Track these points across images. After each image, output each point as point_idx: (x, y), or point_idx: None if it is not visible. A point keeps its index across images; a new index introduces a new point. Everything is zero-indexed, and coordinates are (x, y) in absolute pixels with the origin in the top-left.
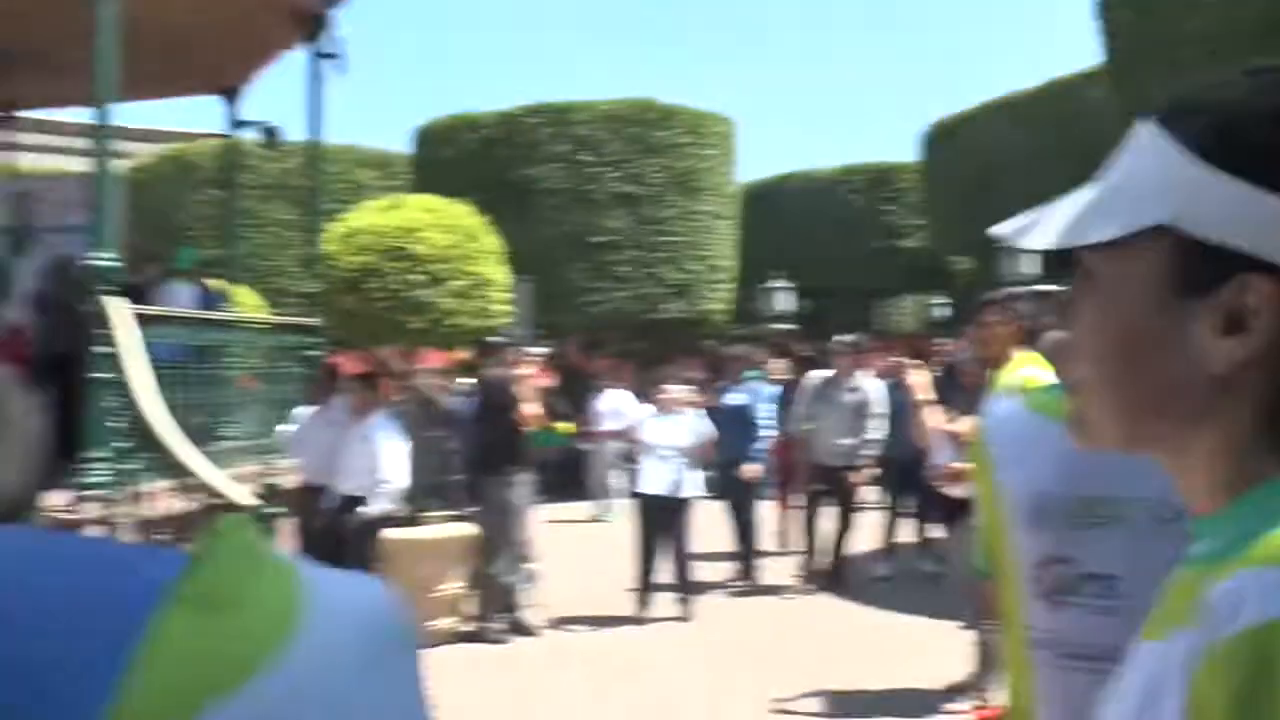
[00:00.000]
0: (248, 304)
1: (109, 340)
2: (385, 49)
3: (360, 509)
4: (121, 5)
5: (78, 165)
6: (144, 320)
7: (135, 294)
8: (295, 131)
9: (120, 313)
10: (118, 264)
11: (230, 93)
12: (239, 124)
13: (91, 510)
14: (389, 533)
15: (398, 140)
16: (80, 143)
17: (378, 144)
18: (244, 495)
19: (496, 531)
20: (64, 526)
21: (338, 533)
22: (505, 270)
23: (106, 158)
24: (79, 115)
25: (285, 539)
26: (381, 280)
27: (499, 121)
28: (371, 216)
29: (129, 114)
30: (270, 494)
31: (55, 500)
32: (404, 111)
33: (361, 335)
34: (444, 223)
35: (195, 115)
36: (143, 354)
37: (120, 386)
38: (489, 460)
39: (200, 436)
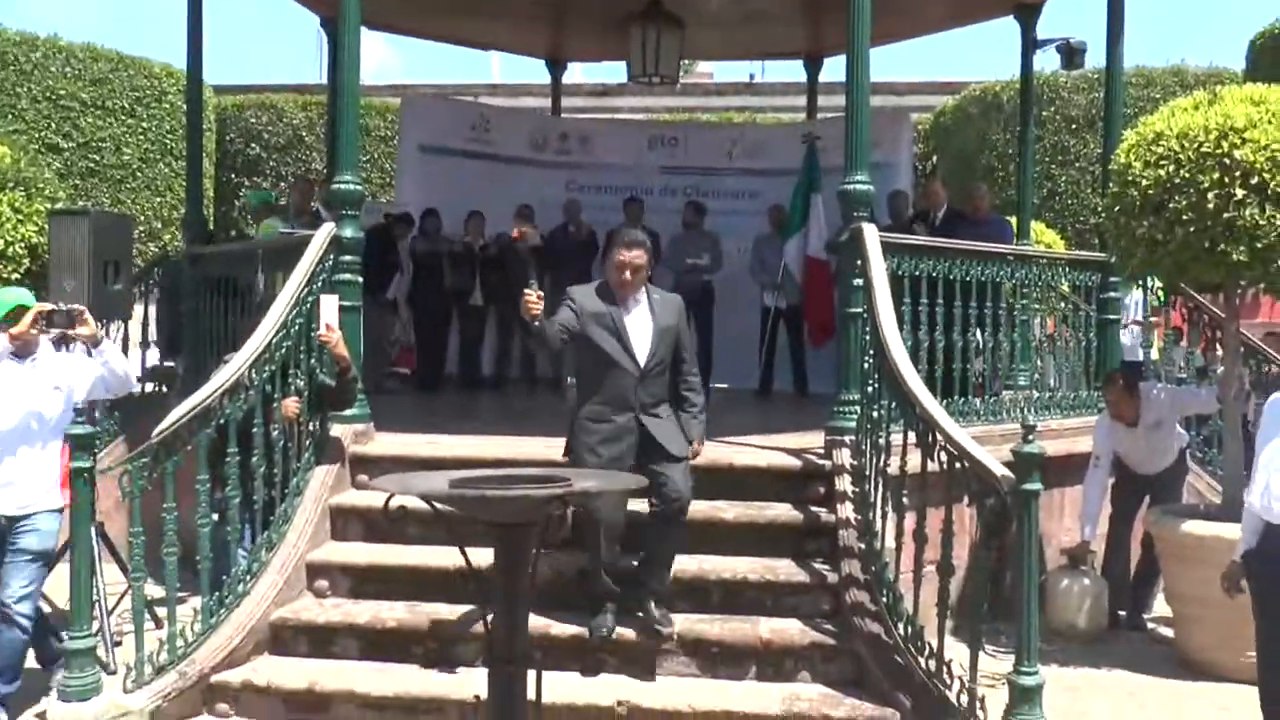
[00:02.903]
0: (1046, 243)
1: (861, 271)
2: None
3: None
4: None
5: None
6: (896, 249)
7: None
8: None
9: (871, 241)
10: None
11: (1026, 10)
12: (1035, 44)
13: (841, 456)
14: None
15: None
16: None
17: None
18: (995, 465)
19: None
20: (819, 471)
21: None
22: None
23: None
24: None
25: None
26: (1190, 197)
27: None
28: (1178, 117)
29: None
30: (1030, 465)
31: (806, 440)
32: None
33: (1164, 269)
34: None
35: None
36: (885, 286)
37: (869, 322)
38: None
39: (952, 385)
